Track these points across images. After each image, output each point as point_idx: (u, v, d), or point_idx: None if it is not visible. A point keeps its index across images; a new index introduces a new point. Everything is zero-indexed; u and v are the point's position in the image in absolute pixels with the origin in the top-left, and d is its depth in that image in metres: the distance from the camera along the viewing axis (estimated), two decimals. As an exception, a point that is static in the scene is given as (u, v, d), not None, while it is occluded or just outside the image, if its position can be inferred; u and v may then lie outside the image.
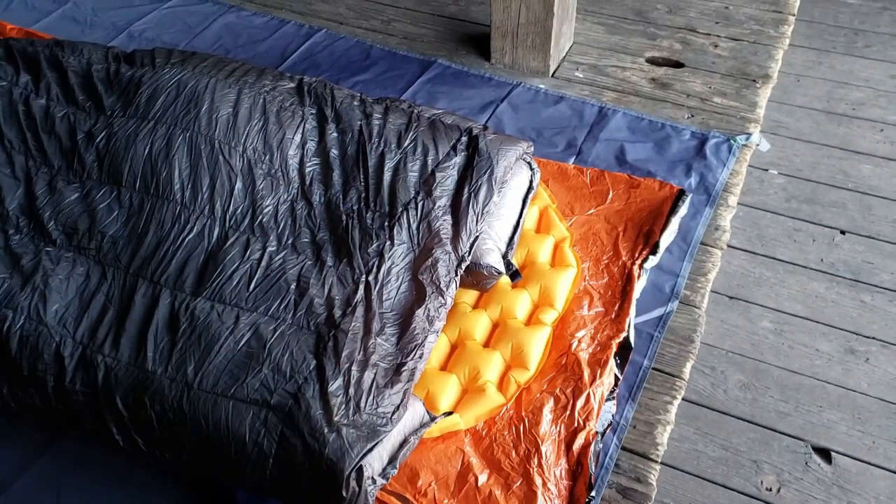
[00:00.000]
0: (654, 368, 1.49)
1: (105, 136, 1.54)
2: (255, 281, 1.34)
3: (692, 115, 2.06)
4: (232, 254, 1.39)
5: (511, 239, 1.56)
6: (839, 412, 1.63)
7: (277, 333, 1.26)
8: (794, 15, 2.40)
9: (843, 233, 2.00)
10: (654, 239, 1.64)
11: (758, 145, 1.97)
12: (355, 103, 1.62)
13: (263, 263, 1.37)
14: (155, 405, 1.20)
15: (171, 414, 1.19)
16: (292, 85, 1.66)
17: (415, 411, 1.26)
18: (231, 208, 1.45)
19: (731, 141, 1.94)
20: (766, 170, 2.18)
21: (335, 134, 1.56)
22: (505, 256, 1.53)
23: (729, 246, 1.92)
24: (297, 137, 1.55)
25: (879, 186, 2.11)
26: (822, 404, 1.65)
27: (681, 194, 1.71)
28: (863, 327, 1.79)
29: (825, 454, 1.56)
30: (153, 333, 1.28)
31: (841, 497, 1.49)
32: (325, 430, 1.11)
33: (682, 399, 1.58)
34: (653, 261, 1.61)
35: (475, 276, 1.51)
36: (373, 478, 1.13)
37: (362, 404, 1.16)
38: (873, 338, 1.76)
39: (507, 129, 2.03)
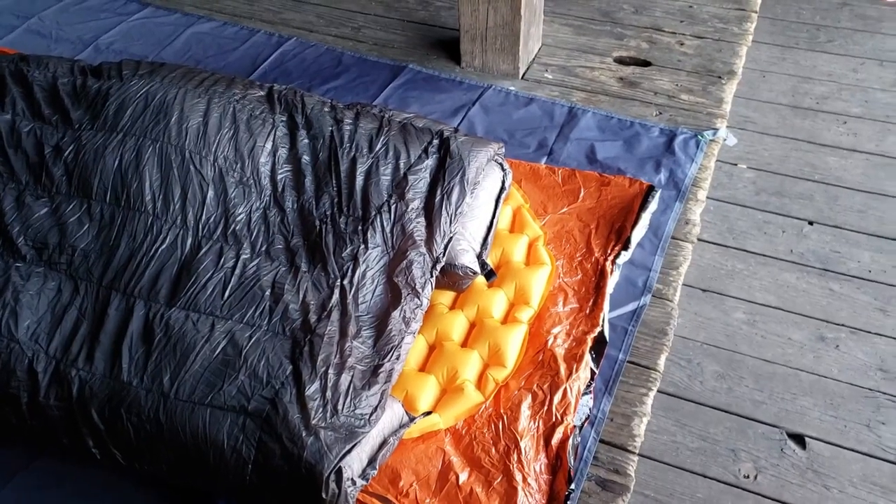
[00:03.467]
0: (629, 362, 1.51)
1: (73, 149, 1.53)
2: (229, 289, 1.34)
3: (660, 113, 2.09)
4: (206, 263, 1.38)
5: (485, 239, 1.58)
6: (812, 398, 1.66)
7: (253, 340, 1.26)
8: (756, 12, 2.45)
9: (811, 223, 2.04)
10: (626, 235, 1.66)
11: (725, 140, 2.01)
12: (326, 109, 1.63)
13: (237, 271, 1.37)
14: (131, 417, 1.20)
15: (148, 425, 1.19)
16: (262, 93, 1.66)
17: (393, 412, 1.27)
18: (204, 217, 1.45)
19: (699, 136, 1.97)
20: (735, 164, 2.22)
21: (306, 140, 1.57)
22: (480, 256, 1.54)
23: (701, 240, 1.95)
24: (269, 145, 1.56)
25: (844, 177, 2.16)
26: (795, 391, 1.68)
27: (650, 190, 1.74)
28: (832, 315, 1.82)
29: (800, 440, 1.59)
30: (128, 345, 1.27)
31: (816, 481, 1.51)
32: (303, 434, 1.11)
33: (660, 391, 1.61)
34: (625, 256, 1.63)
35: (451, 277, 1.52)
36: (352, 479, 1.13)
37: (340, 407, 1.16)
38: (842, 325, 1.80)
39: (479, 131, 2.05)
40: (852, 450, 1.56)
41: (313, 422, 1.13)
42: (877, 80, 2.47)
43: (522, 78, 2.24)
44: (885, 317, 1.79)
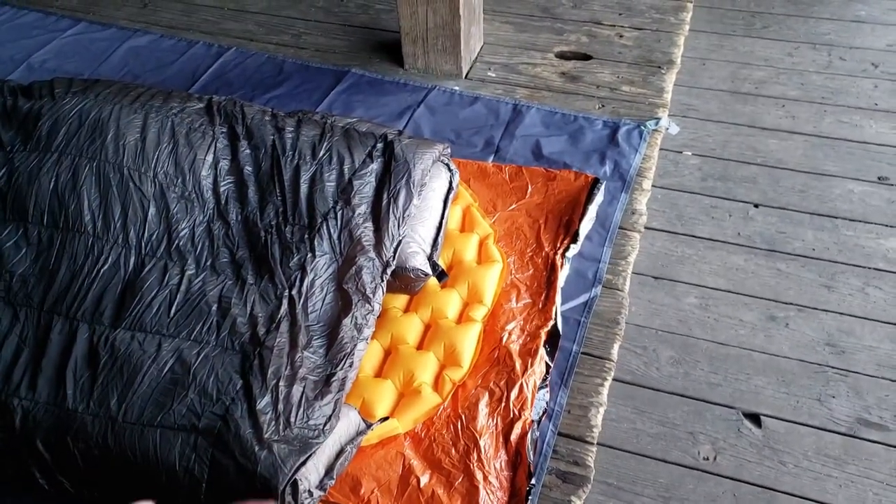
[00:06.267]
0: (583, 353, 1.52)
1: (6, 172, 1.48)
2: (175, 306, 1.32)
3: (603, 105, 2.12)
4: (150, 281, 1.35)
5: (435, 240, 1.58)
6: (765, 377, 1.69)
7: (202, 357, 1.23)
8: (691, 2, 2.50)
9: (756, 206, 2.08)
10: (574, 228, 1.68)
11: (667, 129, 2.04)
12: (267, 118, 1.61)
13: (183, 287, 1.34)
14: (78, 444, 1.16)
15: (96, 451, 1.16)
16: (201, 105, 1.63)
17: (349, 420, 1.26)
18: (146, 235, 1.42)
19: (642, 127, 2.00)
20: (681, 152, 2.26)
21: (248, 151, 1.54)
22: (430, 258, 1.54)
23: (651, 228, 1.98)
24: (210, 157, 1.53)
25: (785, 159, 2.21)
26: (749, 371, 1.71)
27: (595, 183, 1.76)
28: (781, 294, 1.86)
29: (755, 419, 1.62)
30: (72, 370, 1.23)
31: (773, 457, 1.55)
32: (256, 449, 1.10)
33: (618, 380, 1.62)
34: (574, 249, 1.65)
35: (403, 280, 1.51)
36: (309, 490, 1.12)
37: (292, 419, 1.15)
38: (791, 303, 1.84)
39: (426, 132, 2.04)
40: (805, 424, 1.60)
41: (266, 436, 1.11)
42: (811, 64, 2.54)
43: (466, 77, 2.24)
44: (830, 293, 1.84)
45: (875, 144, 2.22)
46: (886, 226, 1.99)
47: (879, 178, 2.12)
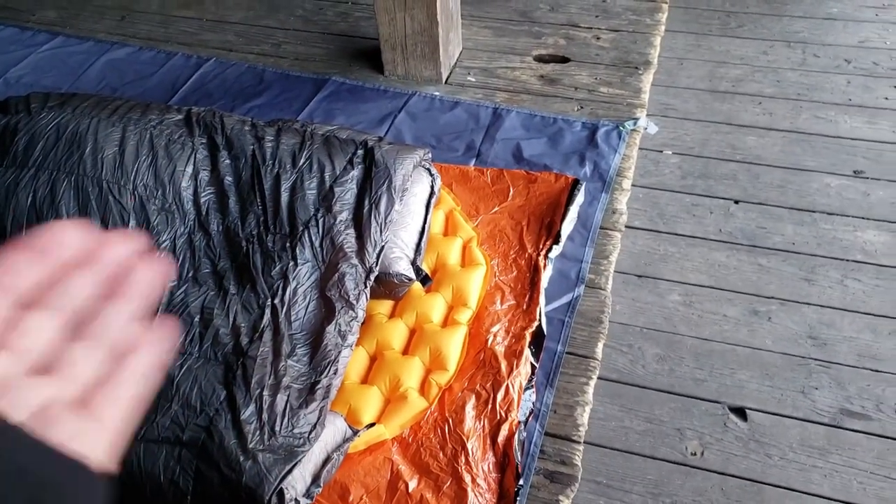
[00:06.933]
0: (567, 352, 1.53)
1: (-18, 189, 1.47)
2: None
3: (581, 107, 2.13)
4: (131, 294, 1.35)
5: (418, 245, 1.58)
6: (749, 371, 1.71)
7: (185, 369, 1.23)
8: (666, 3, 2.53)
9: (736, 202, 2.11)
10: (556, 229, 1.69)
11: (646, 129, 2.06)
12: (246, 128, 1.60)
13: (164, 300, 1.34)
14: (61, 460, 1.15)
15: (79, 467, 1.15)
16: (180, 117, 1.63)
17: (335, 428, 1.26)
18: (126, 248, 1.41)
19: (620, 127, 2.02)
20: (661, 151, 2.28)
21: (228, 161, 1.54)
22: (414, 263, 1.54)
23: (633, 227, 2.00)
24: (189, 168, 1.53)
25: (764, 156, 2.24)
26: (733, 366, 1.73)
27: (576, 184, 1.77)
28: (762, 288, 1.88)
29: (741, 413, 1.63)
30: (53, 386, 1.22)
31: (759, 450, 1.56)
32: (241, 459, 1.09)
33: (604, 378, 1.63)
34: (556, 250, 1.66)
35: (386, 286, 1.52)
36: (296, 499, 1.12)
37: (277, 428, 1.14)
38: (772, 297, 1.86)
39: (407, 138, 2.05)
40: (790, 416, 1.62)
41: (250, 445, 1.11)
42: (786, 61, 2.57)
43: (446, 82, 2.25)
44: (811, 286, 1.86)
45: (850, 139, 2.25)
46: (863, 218, 2.02)
47: (855, 172, 2.15)
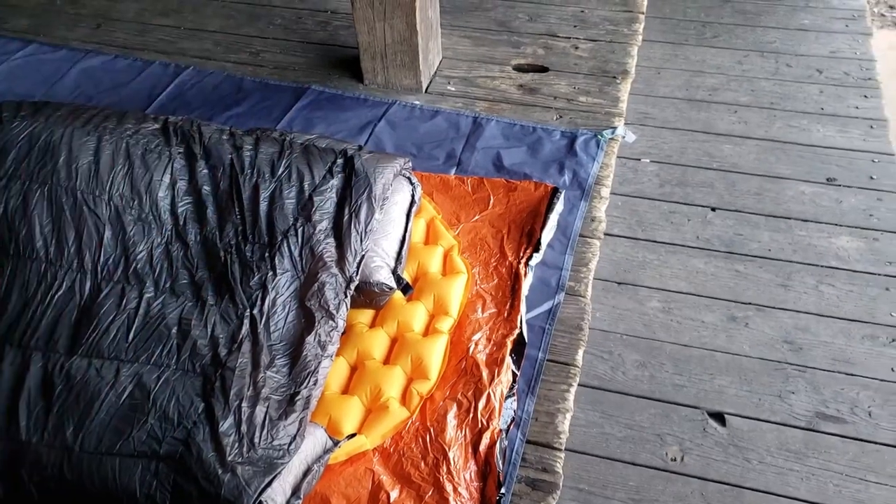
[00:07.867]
0: (548, 360, 1.53)
1: (-47, 200, 1.44)
2: (133, 330, 1.29)
3: (560, 116, 2.15)
4: (107, 306, 1.33)
5: (399, 254, 1.57)
6: (728, 376, 1.73)
7: (162, 381, 1.21)
8: (643, 13, 2.56)
9: (713, 210, 2.13)
10: (536, 237, 1.69)
11: (623, 137, 2.08)
12: (224, 137, 1.59)
13: (141, 311, 1.32)
14: (33, 477, 1.13)
15: (51, 483, 1.12)
16: (157, 126, 1.61)
17: (316, 439, 1.25)
18: (102, 259, 1.39)
19: (599, 136, 2.03)
20: (639, 159, 2.30)
21: (205, 170, 1.53)
22: (395, 271, 1.54)
23: (612, 234, 2.01)
24: (167, 178, 1.51)
25: (740, 164, 2.27)
26: (712, 372, 1.74)
27: (555, 192, 1.78)
28: (740, 294, 1.90)
29: (719, 418, 1.65)
30: (25, 401, 1.20)
31: (737, 455, 1.57)
32: (220, 472, 1.08)
33: (585, 385, 1.64)
34: (537, 258, 1.67)
35: (367, 295, 1.51)
36: (276, 512, 1.10)
37: (256, 440, 1.13)
38: (750, 303, 1.88)
39: (388, 146, 2.05)
40: (767, 421, 1.63)
41: (229, 458, 1.09)
42: (760, 70, 2.61)
43: (426, 91, 2.26)
44: (787, 291, 1.89)
45: (822, 147, 2.29)
46: (836, 225, 2.05)
47: (828, 180, 2.19)
